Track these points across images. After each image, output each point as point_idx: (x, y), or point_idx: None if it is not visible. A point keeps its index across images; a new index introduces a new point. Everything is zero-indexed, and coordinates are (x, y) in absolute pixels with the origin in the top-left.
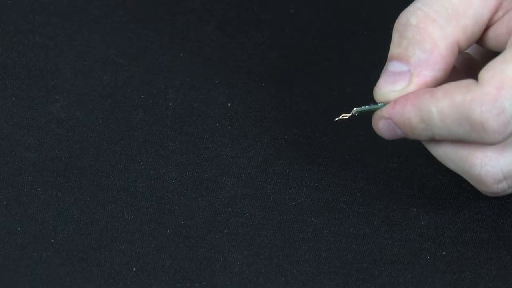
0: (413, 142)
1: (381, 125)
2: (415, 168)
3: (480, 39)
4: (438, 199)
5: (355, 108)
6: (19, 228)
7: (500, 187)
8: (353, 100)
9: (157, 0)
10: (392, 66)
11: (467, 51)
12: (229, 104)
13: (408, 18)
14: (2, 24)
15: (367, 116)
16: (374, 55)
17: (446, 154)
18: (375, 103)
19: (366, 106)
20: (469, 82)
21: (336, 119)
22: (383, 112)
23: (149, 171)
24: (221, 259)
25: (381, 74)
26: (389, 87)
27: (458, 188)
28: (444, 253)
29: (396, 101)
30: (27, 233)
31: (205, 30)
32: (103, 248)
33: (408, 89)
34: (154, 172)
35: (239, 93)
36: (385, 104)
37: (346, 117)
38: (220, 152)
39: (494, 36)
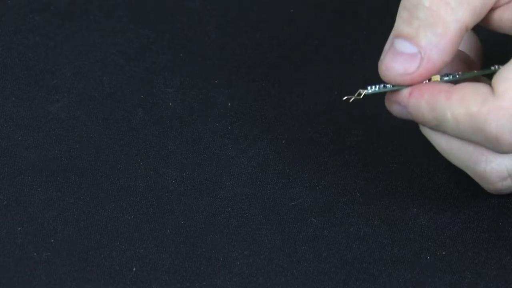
0: (413, 142)
1: (395, 108)
2: (415, 168)
3: (483, 19)
4: (438, 199)
5: (364, 91)
6: (19, 228)
7: (504, 185)
8: (353, 100)
9: (157, 0)
10: (401, 46)
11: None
12: (229, 104)
13: None
14: (2, 24)
15: (367, 118)
16: (374, 55)
17: (451, 150)
18: (383, 82)
19: (375, 89)
20: (484, 91)
21: (345, 98)
22: (399, 99)
23: (149, 171)
24: (221, 259)
25: (385, 50)
26: (398, 67)
27: (458, 188)
28: (444, 253)
29: (411, 91)
30: (27, 233)
31: (205, 30)
32: (103, 248)
33: (417, 73)
34: (154, 172)
35: (239, 93)
36: (393, 86)
37: (355, 97)
38: (220, 152)
39: (498, 19)
